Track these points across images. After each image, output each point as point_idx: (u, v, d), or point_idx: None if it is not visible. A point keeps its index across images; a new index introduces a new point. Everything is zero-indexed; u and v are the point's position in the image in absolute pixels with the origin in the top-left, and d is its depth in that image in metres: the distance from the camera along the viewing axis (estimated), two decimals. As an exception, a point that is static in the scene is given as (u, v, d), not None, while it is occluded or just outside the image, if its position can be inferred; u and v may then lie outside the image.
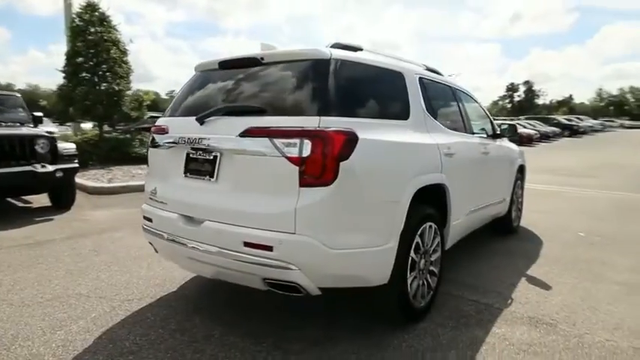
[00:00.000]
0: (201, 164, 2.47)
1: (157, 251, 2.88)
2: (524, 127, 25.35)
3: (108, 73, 11.13)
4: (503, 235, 4.96)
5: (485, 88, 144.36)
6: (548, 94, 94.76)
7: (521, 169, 5.22)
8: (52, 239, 4.64)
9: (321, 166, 2.07)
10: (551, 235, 5.04)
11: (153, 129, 2.86)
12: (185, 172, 2.56)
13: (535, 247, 4.59)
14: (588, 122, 39.45)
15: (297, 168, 2.09)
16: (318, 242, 2.09)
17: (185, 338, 2.55)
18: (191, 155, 2.53)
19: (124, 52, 11.61)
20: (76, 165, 6.19)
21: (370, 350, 2.43)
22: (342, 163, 2.10)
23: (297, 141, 2.09)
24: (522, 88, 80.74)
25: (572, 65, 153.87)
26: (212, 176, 2.40)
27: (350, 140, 2.15)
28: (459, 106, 3.74)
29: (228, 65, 2.69)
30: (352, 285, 2.29)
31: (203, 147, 2.43)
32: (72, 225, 5.32)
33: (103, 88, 11.06)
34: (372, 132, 2.32)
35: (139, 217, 2.91)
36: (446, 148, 3.01)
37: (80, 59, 10.99)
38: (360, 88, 2.47)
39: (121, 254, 4.14)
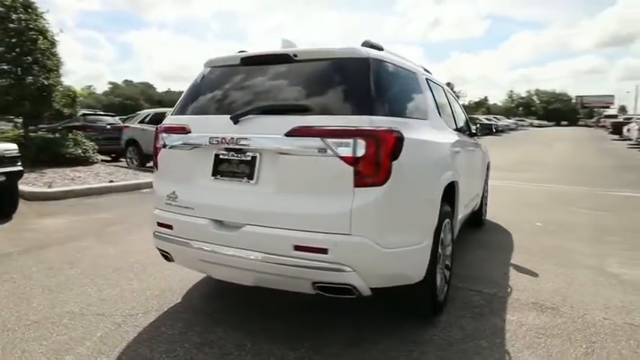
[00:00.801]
0: (235, 165, 2.34)
1: (169, 260, 2.68)
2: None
3: (34, 66, 10.03)
4: (475, 227, 5.27)
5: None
6: (467, 95, 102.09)
7: (488, 166, 5.59)
8: (8, 253, 4.10)
9: (375, 165, 2.06)
10: (514, 226, 5.45)
11: (165, 128, 2.65)
12: (214, 174, 2.40)
13: (506, 239, 4.94)
14: (504, 122, 43.14)
15: (351, 168, 2.06)
16: (372, 242, 2.08)
17: (216, 351, 2.40)
18: (221, 156, 2.39)
19: (53, 43, 10.52)
20: (20, 168, 5.52)
21: (408, 346, 2.47)
22: (393, 163, 2.11)
23: (350, 141, 2.06)
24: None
25: (486, 68, 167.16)
26: (251, 178, 2.28)
27: (399, 139, 2.16)
28: (450, 105, 3.91)
29: (254, 61, 2.57)
30: (399, 284, 2.31)
31: (239, 147, 2.30)
32: (24, 236, 4.73)
33: (29, 81, 9.93)
34: (411, 131, 2.36)
35: (97, 225, 2.70)
36: (452, 146, 3.14)
37: (0, 49, 9.78)
38: (395, 88, 2.49)
39: (99, 266, 3.78)
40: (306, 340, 2.51)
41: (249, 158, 2.30)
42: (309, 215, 2.11)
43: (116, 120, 15.16)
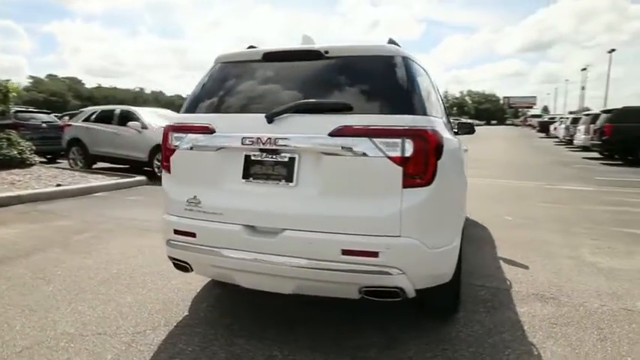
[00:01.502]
0: (270, 167, 2.20)
1: (185, 271, 2.48)
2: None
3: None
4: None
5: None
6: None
7: (463, 164, 5.81)
8: (-37, 270, 3.59)
9: (423, 165, 2.04)
10: (486, 221, 5.71)
11: (180, 127, 2.44)
12: (246, 177, 2.25)
13: (483, 233, 5.15)
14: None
15: (400, 168, 2.02)
16: (420, 244, 2.06)
17: (248, 365, 2.26)
18: (252, 157, 2.24)
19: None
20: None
21: (440, 345, 2.48)
22: (438, 162, 2.10)
23: (398, 140, 2.02)
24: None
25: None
26: (290, 180, 2.16)
27: (441, 138, 2.15)
28: (443, 103, 3.99)
29: (278, 57, 2.43)
30: (437, 283, 2.30)
31: (275, 148, 2.16)
32: (-24, 249, 4.18)
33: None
34: (441, 130, 2.36)
35: (60, 234, 2.48)
36: (461, 145, 3.21)
37: None
38: (422, 86, 2.48)
39: (80, 279, 3.43)
40: (337, 346, 2.44)
41: (286, 159, 2.18)
42: (357, 218, 2.04)
43: (52, 118, 13.94)
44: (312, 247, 2.08)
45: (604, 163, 13.64)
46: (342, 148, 2.06)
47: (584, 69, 53.92)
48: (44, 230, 4.95)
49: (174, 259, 2.49)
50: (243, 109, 2.36)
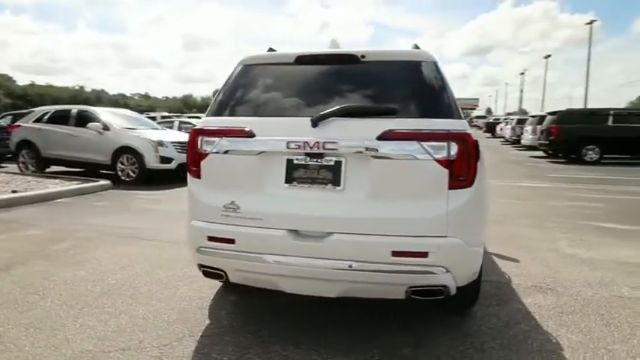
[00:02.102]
0: (315, 171, 2.19)
1: (218, 279, 2.41)
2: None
3: None
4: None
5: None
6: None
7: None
8: (-62, 288, 3.25)
9: (466, 167, 2.13)
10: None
11: (213, 130, 2.37)
12: (289, 181, 2.23)
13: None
14: None
15: (446, 171, 2.09)
16: (464, 243, 2.15)
17: (292, 371, 2.24)
18: (296, 161, 2.22)
19: None
20: None
21: (468, 339, 2.59)
22: (477, 164, 2.19)
23: (444, 144, 2.09)
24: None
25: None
26: (337, 184, 2.17)
27: (477, 140, 2.25)
28: None
29: (312, 61, 2.43)
30: (472, 280, 2.39)
31: (322, 152, 2.16)
32: (-56, 265, 3.78)
33: None
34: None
35: (35, 244, 2.45)
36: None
37: None
38: (453, 91, 2.56)
39: (78, 293, 3.22)
40: (371, 347, 2.47)
41: (332, 163, 2.18)
42: (406, 220, 2.09)
43: (-6, 118, 12.85)
44: (362, 249, 2.10)
45: (550, 162, 14.70)
46: (392, 151, 2.10)
47: (522, 73, 57.65)
48: (13, 241, 4.58)
49: (206, 266, 2.41)
50: (283, 112, 2.34)
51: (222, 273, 2.37)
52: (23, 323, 2.72)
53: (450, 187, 2.11)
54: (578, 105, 47.22)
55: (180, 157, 9.13)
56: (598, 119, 14.03)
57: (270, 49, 2.79)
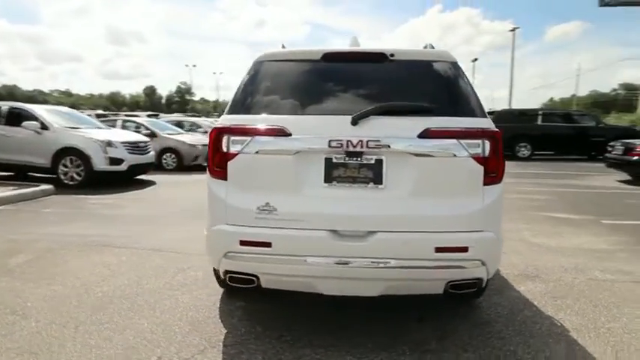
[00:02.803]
0: (355, 170, 2.17)
1: (248, 285, 2.30)
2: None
3: None
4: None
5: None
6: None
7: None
8: None
9: (497, 163, 2.23)
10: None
11: (244, 129, 2.24)
12: (328, 181, 2.18)
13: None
14: None
15: (482, 167, 2.17)
16: (496, 236, 2.24)
17: (333, 373, 2.20)
18: (335, 160, 2.17)
19: None
20: None
21: (484, 329, 2.71)
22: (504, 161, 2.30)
23: (479, 141, 2.17)
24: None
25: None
26: (379, 182, 2.16)
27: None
28: None
29: (339, 58, 2.39)
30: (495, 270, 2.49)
31: (362, 150, 2.14)
32: None
33: None
34: None
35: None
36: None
37: None
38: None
39: (63, 309, 2.92)
40: (400, 343, 2.49)
41: (372, 162, 2.17)
42: (447, 216, 2.14)
43: None
44: (405, 247, 2.12)
45: (487, 158, 15.74)
46: (432, 149, 2.14)
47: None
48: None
49: (234, 272, 2.28)
50: (316, 110, 2.28)
51: (254, 278, 2.27)
52: (13, 348, 2.41)
53: (485, 183, 2.20)
54: (502, 105, 51.13)
55: (133, 159, 8.59)
56: (529, 119, 15.32)
57: (282, 47, 2.72)
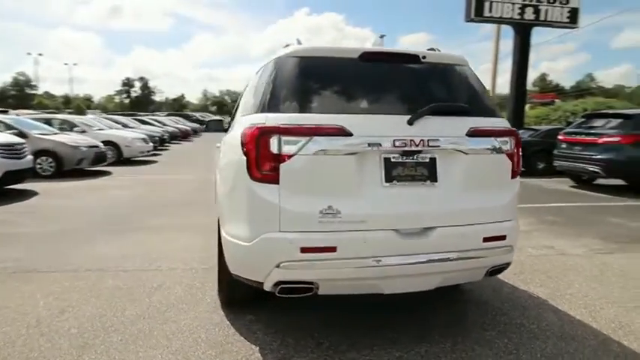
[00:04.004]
0: (412, 169, 2.20)
1: (305, 293, 2.17)
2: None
3: None
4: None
5: (91, 81, 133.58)
6: (165, 91, 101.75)
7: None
8: None
9: (519, 158, 2.50)
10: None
11: (293, 129, 2.08)
12: (389, 180, 2.17)
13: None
14: (216, 119, 45.95)
15: (511, 162, 2.42)
16: (517, 223, 2.51)
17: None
18: (393, 159, 2.17)
19: None
20: None
21: (488, 308, 3.00)
22: None
23: (507, 139, 2.41)
24: (138, 84, 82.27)
25: (173, 65, 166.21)
26: (434, 179, 2.23)
27: None
28: None
29: (376, 58, 2.38)
30: None
31: (420, 149, 2.19)
32: None
33: None
34: None
35: None
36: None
37: None
38: None
39: (36, 353, 2.33)
40: (441, 333, 2.61)
41: (427, 160, 2.23)
42: (489, 208, 2.33)
43: None
44: (461, 240, 2.24)
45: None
46: (477, 147, 2.31)
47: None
48: None
49: (291, 282, 2.12)
50: (370, 110, 2.26)
51: (313, 286, 2.14)
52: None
53: (512, 177, 2.45)
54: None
55: (7, 164, 7.12)
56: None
57: (298, 42, 2.60)
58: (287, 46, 2.66)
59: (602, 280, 3.59)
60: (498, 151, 2.37)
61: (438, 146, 2.24)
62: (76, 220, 5.61)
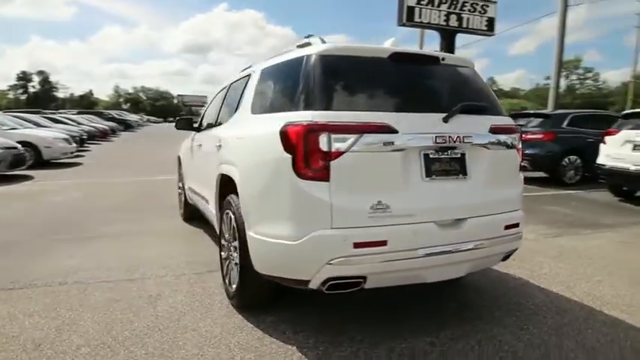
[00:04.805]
0: (447, 164, 2.35)
1: (354, 288, 2.21)
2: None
3: None
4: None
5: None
6: (70, 87, 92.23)
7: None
8: None
9: (523, 154, 2.77)
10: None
11: (342, 127, 2.10)
12: (428, 175, 2.29)
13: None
14: (134, 117, 42.91)
15: (519, 157, 2.67)
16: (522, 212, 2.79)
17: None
18: (431, 155, 2.29)
19: None
20: None
21: (487, 295, 3.26)
22: None
23: (516, 136, 2.66)
24: (37, 79, 74.01)
25: (77, 59, 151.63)
26: (465, 173, 2.40)
27: None
28: None
29: (404, 59, 2.47)
30: None
31: (454, 145, 2.34)
32: None
33: None
34: None
35: None
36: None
37: None
38: None
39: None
40: (462, 318, 2.78)
41: (458, 155, 2.39)
42: (507, 199, 2.56)
43: None
44: (488, 228, 2.43)
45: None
46: (498, 143, 2.51)
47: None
48: None
49: (341, 278, 2.14)
50: (407, 107, 2.34)
51: (361, 280, 2.18)
52: None
53: (520, 170, 2.71)
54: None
55: None
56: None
57: (303, 45, 2.66)
58: (305, 43, 2.66)
59: (564, 260, 4.07)
60: (511, 146, 2.61)
61: (471, 142, 2.42)
62: (16, 231, 4.96)
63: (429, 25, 14.45)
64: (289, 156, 2.15)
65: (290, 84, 2.50)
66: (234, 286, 2.81)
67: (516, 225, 2.60)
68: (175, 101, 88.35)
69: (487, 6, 14.86)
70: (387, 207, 2.16)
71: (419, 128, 2.29)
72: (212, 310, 2.85)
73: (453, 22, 14.52)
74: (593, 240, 4.85)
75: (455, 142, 2.36)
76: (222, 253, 3.11)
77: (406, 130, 2.24)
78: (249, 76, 3.26)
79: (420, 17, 14.09)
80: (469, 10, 14.63)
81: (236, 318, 2.75)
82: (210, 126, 4.08)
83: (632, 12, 32.90)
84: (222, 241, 3.10)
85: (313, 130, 2.11)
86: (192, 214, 5.18)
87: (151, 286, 3.28)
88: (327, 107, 2.21)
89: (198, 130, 4.60)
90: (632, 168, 6.76)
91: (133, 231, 4.95)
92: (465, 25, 14.67)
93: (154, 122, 60.56)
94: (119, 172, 10.43)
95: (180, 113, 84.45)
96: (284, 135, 2.19)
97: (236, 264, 2.75)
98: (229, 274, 2.91)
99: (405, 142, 2.24)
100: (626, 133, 6.98)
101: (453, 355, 2.35)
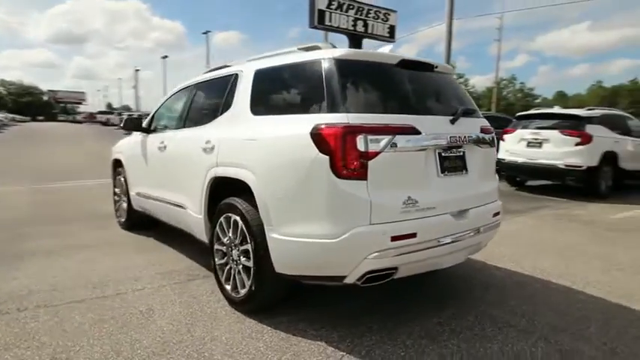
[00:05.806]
0: (454, 161, 2.63)
1: (386, 279, 2.37)
2: None
3: None
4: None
5: None
6: None
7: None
8: None
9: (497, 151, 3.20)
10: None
11: (377, 128, 2.24)
12: (443, 171, 2.55)
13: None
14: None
15: (495, 153, 3.08)
16: None
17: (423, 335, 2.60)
18: (443, 154, 2.56)
19: None
20: None
21: (507, 299, 3.65)
22: None
23: (494, 135, 3.06)
24: None
25: None
26: (466, 170, 2.70)
27: None
28: None
29: (409, 66, 2.67)
30: None
31: (460, 144, 2.62)
32: None
33: None
34: None
35: None
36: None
37: None
38: None
39: None
40: (468, 304, 3.05)
41: (461, 153, 2.69)
42: (491, 190, 2.96)
43: None
44: (484, 217, 2.78)
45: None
46: (487, 141, 2.89)
47: (138, 70, 58.65)
48: None
49: (378, 270, 2.28)
50: (421, 110, 2.57)
51: (394, 271, 2.35)
52: None
53: (496, 165, 3.12)
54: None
55: None
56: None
57: (304, 48, 2.77)
58: (311, 47, 2.73)
59: (506, 243, 4.67)
60: (492, 144, 3.00)
61: (470, 141, 2.74)
62: None
63: (338, 29, 15.08)
64: (326, 157, 2.22)
65: (307, 86, 2.55)
66: (242, 291, 2.75)
67: (499, 213, 3.00)
68: (45, 97, 77.85)
69: (389, 14, 16.04)
70: (415, 202, 2.35)
71: (436, 129, 2.54)
72: (220, 318, 2.75)
73: (360, 27, 15.39)
74: (514, 225, 5.65)
75: (463, 141, 2.68)
76: (218, 260, 3.00)
77: (427, 131, 2.47)
78: (235, 75, 3.18)
79: (330, 21, 14.64)
80: (373, 17, 15.62)
81: (249, 322, 2.70)
82: (177, 127, 3.85)
83: (493, 27, 38.13)
84: (218, 247, 3.00)
85: (350, 132, 2.20)
86: (138, 222, 4.80)
87: (134, 301, 3.01)
88: (357, 110, 2.32)
89: (148, 131, 4.29)
90: (522, 160, 8.03)
91: (71, 244, 4.40)
92: (370, 31, 15.63)
93: (20, 121, 52.65)
94: (6, 179, 8.97)
95: (53, 111, 74.90)
96: (318, 137, 2.25)
97: (245, 268, 2.70)
98: (233, 280, 2.84)
99: (428, 142, 2.47)
100: (520, 132, 8.23)
101: (462, 329, 2.64)
